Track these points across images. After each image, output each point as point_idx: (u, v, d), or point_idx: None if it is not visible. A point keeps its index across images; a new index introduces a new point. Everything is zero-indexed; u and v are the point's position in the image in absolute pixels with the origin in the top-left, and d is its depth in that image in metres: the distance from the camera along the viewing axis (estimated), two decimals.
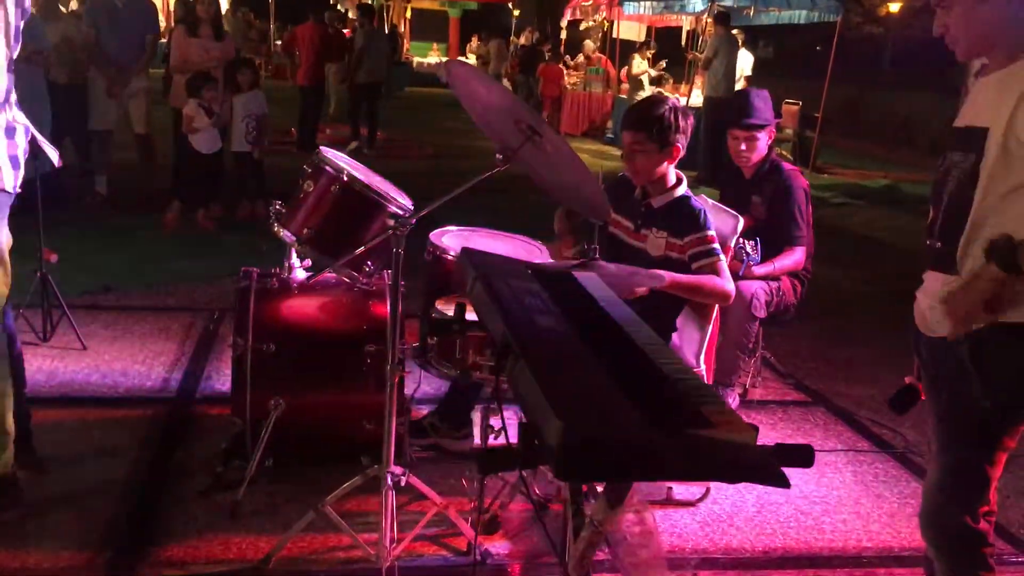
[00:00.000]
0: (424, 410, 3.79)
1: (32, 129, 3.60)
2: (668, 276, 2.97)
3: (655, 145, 3.11)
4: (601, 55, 16.42)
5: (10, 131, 2.79)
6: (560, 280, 2.19)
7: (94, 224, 6.75)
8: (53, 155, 4.21)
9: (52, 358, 4.26)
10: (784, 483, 1.36)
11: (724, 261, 3.14)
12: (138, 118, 7.36)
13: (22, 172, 2.85)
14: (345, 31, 16.13)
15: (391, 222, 2.61)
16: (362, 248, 2.84)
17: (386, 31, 18.64)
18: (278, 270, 3.46)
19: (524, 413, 1.50)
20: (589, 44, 16.96)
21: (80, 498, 3.11)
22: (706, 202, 3.65)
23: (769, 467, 1.38)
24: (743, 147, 4.12)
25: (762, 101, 4.12)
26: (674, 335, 3.35)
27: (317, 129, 11.33)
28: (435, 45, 26.51)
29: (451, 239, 3.56)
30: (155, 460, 3.45)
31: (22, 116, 2.88)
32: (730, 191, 4.26)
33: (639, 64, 14.27)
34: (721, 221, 3.49)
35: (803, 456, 1.47)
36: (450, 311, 2.89)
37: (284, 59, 14.94)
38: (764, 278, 3.99)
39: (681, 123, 3.12)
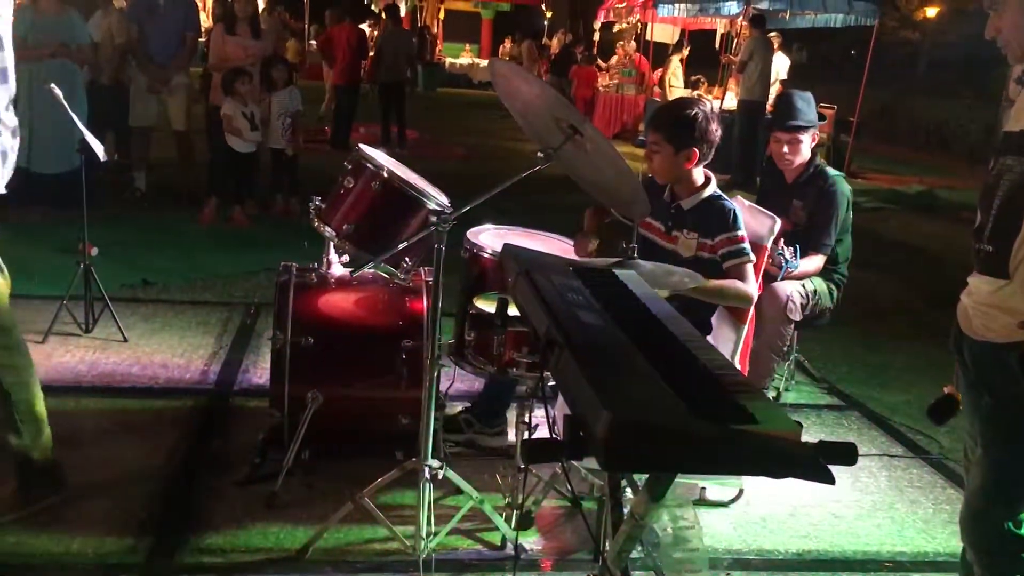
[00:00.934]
0: (457, 407, 3.82)
1: (79, 123, 3.66)
2: (701, 280, 2.95)
3: (671, 147, 3.11)
4: (638, 54, 16.28)
5: None
6: (601, 277, 2.21)
7: (133, 219, 6.84)
8: (99, 149, 4.30)
9: (94, 349, 4.33)
10: (829, 479, 1.37)
11: (752, 263, 3.14)
12: (177, 115, 7.44)
13: (10, 171, 2.75)
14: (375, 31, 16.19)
15: (433, 219, 2.63)
16: (405, 244, 2.86)
17: (412, 30, 18.53)
18: (316, 265, 3.50)
19: (569, 405, 1.51)
20: (630, 44, 16.87)
21: (121, 486, 3.16)
22: (742, 203, 3.64)
23: (814, 463, 1.39)
24: (786, 150, 4.07)
25: (805, 103, 4.08)
26: (709, 336, 3.36)
27: (351, 128, 11.42)
28: (467, 46, 26.58)
29: (488, 237, 3.58)
30: (194, 450, 3.51)
31: (12, 118, 2.75)
32: (771, 194, 4.23)
33: (674, 68, 14.24)
34: (757, 222, 3.49)
35: (847, 453, 1.48)
36: (487, 308, 2.92)
37: (320, 58, 15.00)
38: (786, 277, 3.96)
39: (704, 128, 3.09)
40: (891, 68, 21.52)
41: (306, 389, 3.23)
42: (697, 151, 3.11)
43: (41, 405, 2.97)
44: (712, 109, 3.25)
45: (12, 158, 2.76)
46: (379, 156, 3.24)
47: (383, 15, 14.36)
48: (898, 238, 9.19)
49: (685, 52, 14.83)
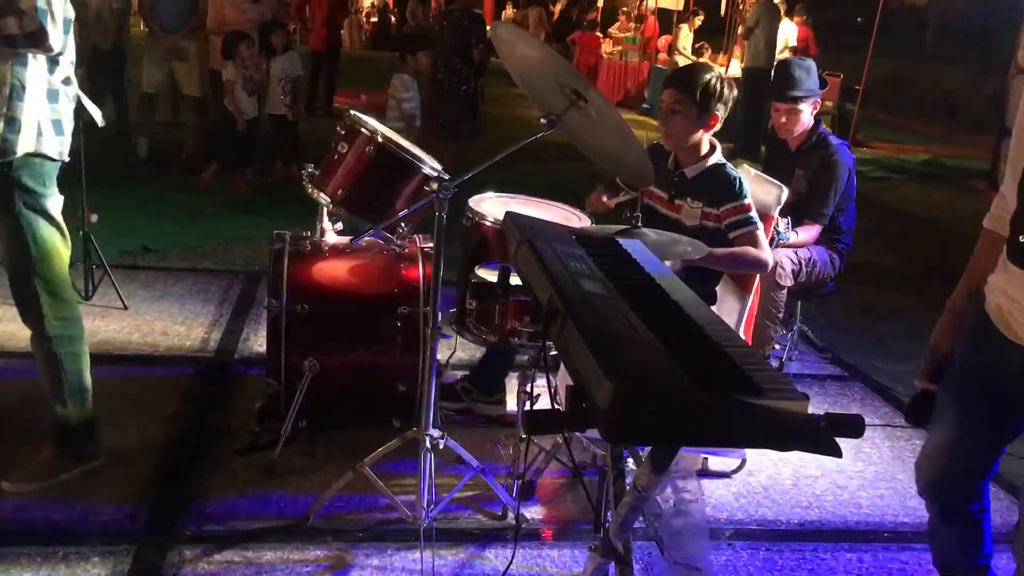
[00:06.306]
0: (457, 375, 3.80)
1: (78, 92, 3.59)
2: (707, 249, 2.91)
3: (696, 109, 3.05)
4: (652, 15, 15.93)
5: (52, 95, 2.75)
6: (604, 246, 2.17)
7: (132, 186, 6.79)
8: (97, 115, 4.24)
9: (94, 317, 4.30)
10: (837, 452, 1.35)
11: (761, 229, 3.10)
12: (188, 81, 7.30)
13: (68, 139, 2.82)
14: None
15: (433, 185, 2.59)
16: (406, 212, 2.82)
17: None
18: (310, 233, 3.46)
19: (571, 375, 1.49)
20: (634, 10, 16.59)
21: (122, 455, 3.14)
22: (749, 172, 3.60)
23: (821, 436, 1.37)
24: (784, 120, 4.06)
25: (804, 71, 4.03)
26: (713, 307, 3.32)
27: (334, 94, 11.22)
28: None
29: (490, 205, 3.54)
30: (194, 418, 3.50)
31: (74, 83, 2.84)
32: (775, 163, 4.19)
33: (684, 36, 14.06)
34: (764, 191, 3.44)
35: (853, 426, 1.45)
36: (489, 276, 2.89)
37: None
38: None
39: (725, 93, 3.06)
40: (898, 35, 21.26)
41: (303, 357, 3.21)
42: (718, 115, 3.07)
43: (88, 376, 2.98)
44: (723, 73, 3.21)
45: (69, 127, 2.82)
46: (371, 120, 3.20)
47: None
48: (903, 207, 9.13)
49: (698, 21, 14.59)
